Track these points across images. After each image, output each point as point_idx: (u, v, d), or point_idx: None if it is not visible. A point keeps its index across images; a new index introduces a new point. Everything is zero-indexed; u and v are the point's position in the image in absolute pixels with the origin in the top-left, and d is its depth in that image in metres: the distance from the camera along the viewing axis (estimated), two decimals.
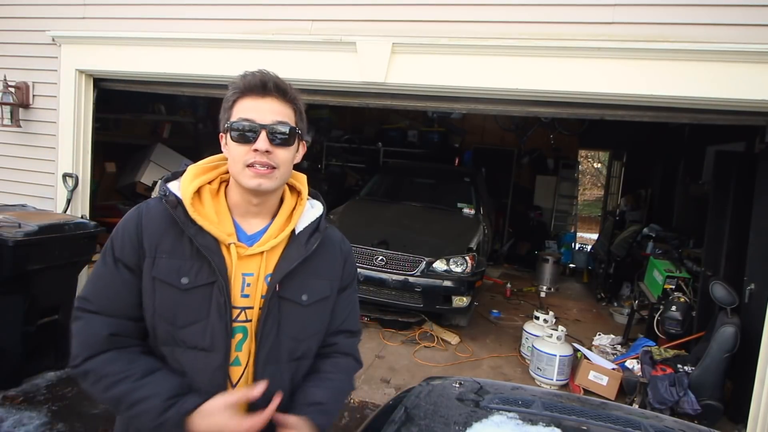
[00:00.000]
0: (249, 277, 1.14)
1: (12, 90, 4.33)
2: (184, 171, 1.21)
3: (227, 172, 1.20)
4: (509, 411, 1.41)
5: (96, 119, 4.58)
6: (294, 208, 1.23)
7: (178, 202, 1.13)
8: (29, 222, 3.36)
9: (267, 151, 1.10)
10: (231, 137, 1.12)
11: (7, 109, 4.35)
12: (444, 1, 3.46)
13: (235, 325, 1.12)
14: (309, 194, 1.29)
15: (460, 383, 1.65)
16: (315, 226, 1.23)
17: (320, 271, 1.23)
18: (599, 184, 18.71)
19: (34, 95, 4.43)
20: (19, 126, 4.43)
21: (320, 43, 3.64)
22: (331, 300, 1.25)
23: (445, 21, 3.45)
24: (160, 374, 1.09)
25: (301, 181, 1.28)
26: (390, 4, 3.55)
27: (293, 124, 1.15)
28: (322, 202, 1.31)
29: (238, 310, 1.13)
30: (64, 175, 4.31)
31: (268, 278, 1.15)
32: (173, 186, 1.17)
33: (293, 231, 1.20)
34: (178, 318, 1.10)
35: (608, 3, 3.18)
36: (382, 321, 5.04)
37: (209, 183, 1.19)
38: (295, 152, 1.18)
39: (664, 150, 7.80)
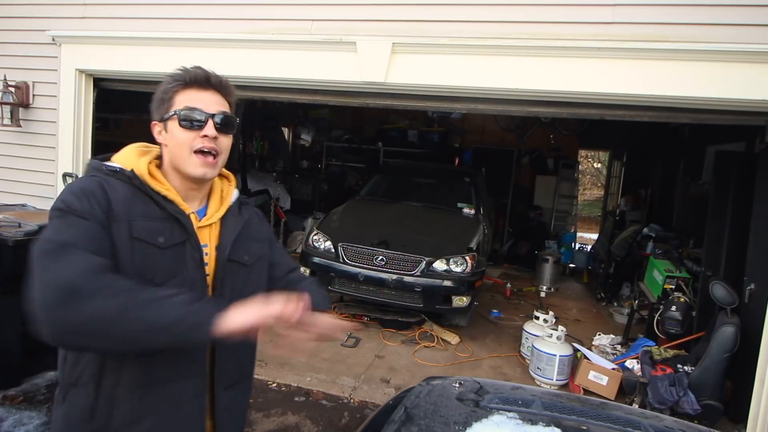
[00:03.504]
0: (205, 248, 1.26)
1: (12, 90, 4.33)
2: (110, 155, 1.27)
3: (158, 157, 1.29)
4: (509, 411, 1.41)
5: (96, 119, 4.58)
6: (223, 189, 1.38)
7: (131, 176, 1.19)
8: (29, 222, 3.36)
9: (215, 138, 1.21)
10: (179, 124, 1.20)
11: (7, 109, 4.35)
12: (444, 1, 3.46)
13: None
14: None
15: (460, 383, 1.65)
16: (239, 201, 1.39)
17: (254, 235, 1.39)
18: (599, 184, 18.71)
19: (34, 95, 4.43)
20: (19, 126, 4.43)
21: (320, 43, 3.64)
22: (266, 258, 1.42)
23: (445, 21, 3.45)
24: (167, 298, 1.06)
25: (225, 170, 1.42)
26: (390, 4, 3.55)
27: (233, 115, 1.29)
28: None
29: None
30: (64, 175, 4.31)
31: (218, 249, 1.29)
32: (118, 164, 1.22)
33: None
34: (156, 275, 1.16)
35: (608, 3, 3.18)
36: (382, 321, 5.04)
37: (149, 164, 1.27)
38: (232, 140, 1.31)
39: (664, 150, 7.80)
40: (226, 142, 1.25)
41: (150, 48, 4.04)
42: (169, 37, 3.96)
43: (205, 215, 1.30)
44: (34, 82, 4.41)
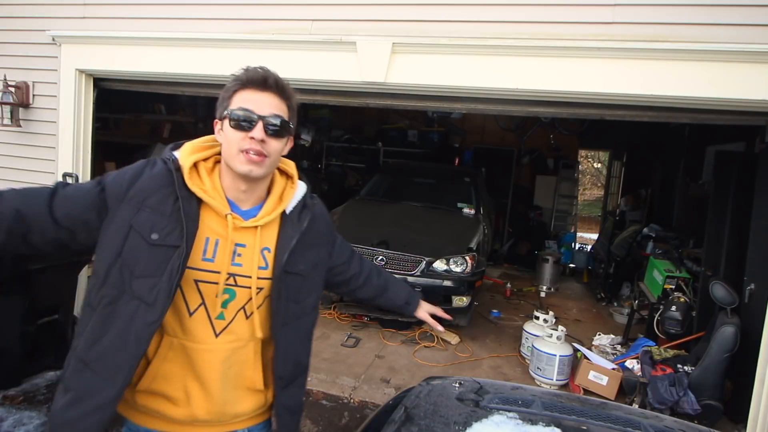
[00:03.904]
0: (241, 248, 1.26)
1: (12, 90, 4.32)
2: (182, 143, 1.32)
3: (220, 153, 1.30)
4: (509, 411, 1.41)
5: (96, 119, 4.57)
6: (284, 190, 1.36)
7: (179, 168, 1.24)
8: None
9: (262, 140, 1.20)
10: (229, 124, 1.22)
11: (7, 109, 4.35)
12: (444, 1, 3.46)
13: (225, 286, 1.25)
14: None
15: (460, 383, 1.65)
16: (303, 204, 1.36)
17: (312, 242, 1.37)
18: (599, 184, 18.71)
19: (34, 95, 4.42)
20: (19, 126, 4.42)
21: (320, 43, 3.64)
22: (322, 264, 1.44)
23: (445, 21, 3.45)
24: None
25: (291, 166, 1.41)
26: (390, 3, 3.55)
27: (287, 119, 1.27)
28: (305, 182, 1.43)
29: (228, 276, 1.25)
30: (64, 175, 4.31)
31: (265, 252, 1.29)
32: (176, 154, 1.28)
33: (284, 212, 1.33)
34: (137, 268, 1.19)
35: (608, 3, 3.18)
36: (382, 321, 5.04)
37: (204, 160, 1.30)
38: (285, 144, 1.30)
39: (664, 150, 7.80)
40: (275, 145, 1.24)
41: (150, 48, 4.04)
42: (169, 37, 3.96)
43: (254, 216, 1.29)
44: (34, 82, 4.40)
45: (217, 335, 1.26)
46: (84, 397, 1.19)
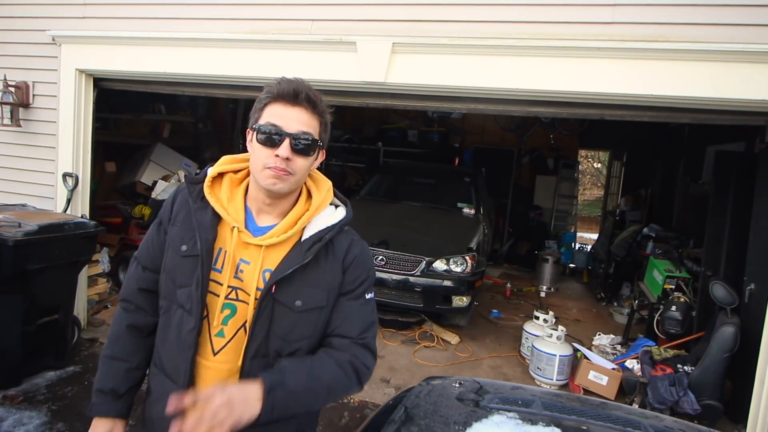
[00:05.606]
0: (244, 264, 1.23)
1: (12, 90, 4.33)
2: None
3: None
4: (509, 411, 1.41)
5: (96, 119, 4.58)
6: (302, 215, 1.26)
7: (199, 181, 1.28)
8: (29, 222, 3.37)
9: (287, 158, 1.16)
10: (257, 138, 1.19)
11: (7, 109, 4.35)
12: (444, 1, 3.46)
13: (226, 301, 1.22)
14: (340, 201, 1.37)
15: (459, 383, 1.65)
16: (321, 236, 1.24)
17: (317, 281, 1.24)
18: (599, 184, 18.72)
19: (34, 95, 4.42)
20: (19, 126, 4.43)
21: (320, 43, 3.64)
22: (326, 310, 1.26)
23: (445, 21, 3.45)
24: (117, 364, 1.32)
25: (320, 188, 1.31)
26: (390, 3, 3.55)
27: (316, 136, 1.22)
28: (346, 210, 1.34)
29: (230, 289, 1.22)
30: (64, 175, 4.31)
31: (266, 273, 1.22)
32: (209, 170, 1.32)
33: (301, 238, 1.25)
34: (176, 279, 1.25)
35: (608, 3, 3.18)
36: (382, 321, 5.03)
37: (235, 172, 1.31)
38: (314, 160, 1.26)
39: (664, 150, 7.80)
40: (301, 162, 1.19)
41: (150, 48, 4.04)
42: (169, 37, 3.96)
43: (264, 234, 1.23)
44: (34, 82, 4.41)
45: (215, 353, 1.22)
46: (161, 397, 1.24)
